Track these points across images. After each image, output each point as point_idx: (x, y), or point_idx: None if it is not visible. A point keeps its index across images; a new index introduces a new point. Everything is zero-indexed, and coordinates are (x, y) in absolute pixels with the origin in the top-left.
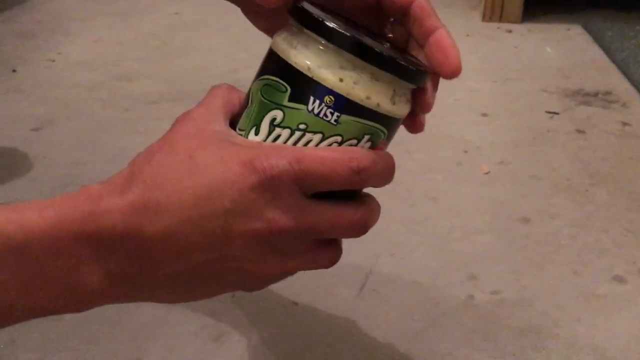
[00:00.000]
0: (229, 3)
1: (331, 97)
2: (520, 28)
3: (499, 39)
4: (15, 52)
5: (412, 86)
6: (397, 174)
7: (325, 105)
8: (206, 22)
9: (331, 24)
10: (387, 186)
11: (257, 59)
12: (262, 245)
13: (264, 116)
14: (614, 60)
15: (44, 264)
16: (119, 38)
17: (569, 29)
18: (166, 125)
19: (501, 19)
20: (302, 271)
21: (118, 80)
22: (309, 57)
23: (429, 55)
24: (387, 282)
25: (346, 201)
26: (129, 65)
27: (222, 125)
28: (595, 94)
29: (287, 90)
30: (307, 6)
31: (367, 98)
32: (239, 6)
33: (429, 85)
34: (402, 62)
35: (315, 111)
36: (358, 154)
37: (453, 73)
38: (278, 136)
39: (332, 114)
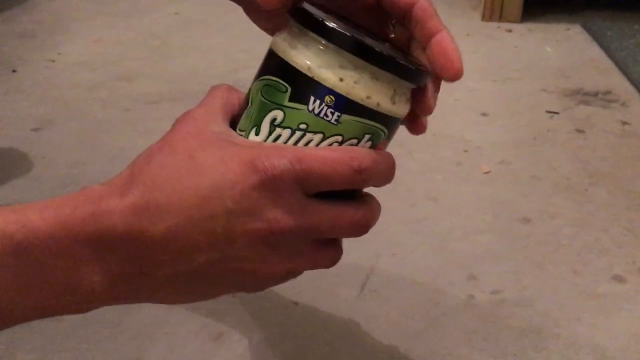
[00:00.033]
0: (229, 2)
1: (331, 96)
2: (520, 28)
3: (499, 39)
4: (15, 52)
5: (412, 86)
6: (397, 174)
7: (326, 105)
8: (206, 22)
9: (331, 24)
10: (387, 186)
11: (257, 59)
12: (263, 245)
13: (264, 116)
14: (613, 60)
15: (44, 265)
16: (119, 38)
17: (568, 29)
18: (166, 125)
19: (501, 18)
20: (302, 273)
21: (118, 80)
22: (309, 57)
23: (431, 57)
24: (388, 282)
25: (347, 201)
26: (129, 65)
27: (222, 126)
28: (595, 94)
29: (287, 90)
30: (307, 7)
31: (368, 97)
32: (240, 5)
33: (429, 87)
34: (402, 62)
35: (316, 111)
36: (359, 154)
37: (455, 76)
38: (278, 136)
39: (332, 113)
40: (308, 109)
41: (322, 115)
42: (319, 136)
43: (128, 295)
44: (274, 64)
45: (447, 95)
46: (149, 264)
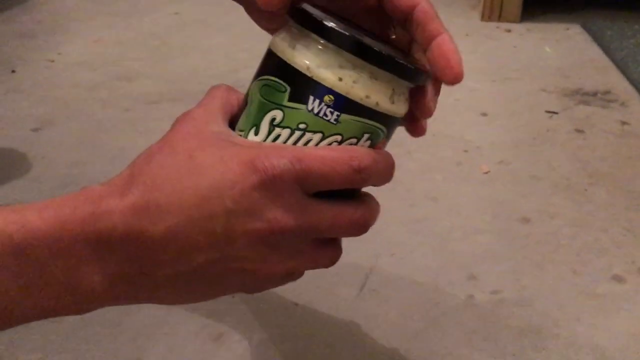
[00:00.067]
0: (230, 2)
1: (331, 96)
2: (519, 27)
3: (498, 39)
4: (15, 52)
5: (411, 85)
6: (397, 174)
7: (325, 105)
8: (206, 22)
9: (330, 24)
10: (387, 186)
11: (258, 59)
12: (263, 245)
13: (263, 116)
14: (613, 60)
15: (44, 265)
16: (119, 38)
17: (568, 29)
18: (166, 125)
19: (500, 18)
20: (302, 276)
21: (118, 80)
22: (308, 57)
23: (431, 60)
24: (387, 282)
25: (346, 200)
26: (129, 65)
27: (221, 126)
28: (595, 94)
29: (286, 90)
30: (307, 7)
31: (367, 97)
32: (242, 5)
33: (429, 90)
34: (401, 61)
35: (315, 111)
36: (358, 153)
37: (455, 79)
38: (278, 136)
39: (331, 113)
40: (307, 108)
41: (321, 114)
42: (318, 136)
43: (128, 296)
44: (273, 64)
45: (446, 96)
46: (149, 264)
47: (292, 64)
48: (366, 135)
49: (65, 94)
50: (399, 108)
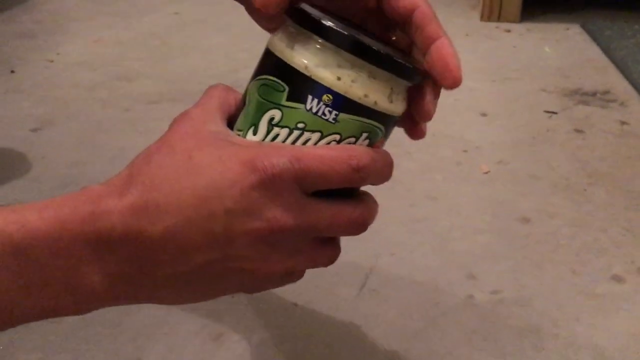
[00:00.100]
0: (230, 2)
1: (329, 95)
2: (519, 27)
3: (498, 39)
4: (15, 52)
5: (409, 84)
6: (397, 174)
7: (324, 104)
8: (206, 22)
9: (328, 23)
10: (387, 186)
11: (258, 59)
12: (263, 245)
13: (262, 116)
14: (612, 60)
15: (44, 265)
16: (119, 38)
17: (567, 29)
18: (166, 125)
19: (500, 18)
20: (302, 277)
21: (118, 80)
22: (306, 57)
23: (430, 64)
24: (387, 281)
25: (345, 199)
26: (128, 65)
27: (219, 126)
28: (594, 94)
29: (284, 89)
30: (305, 6)
31: (365, 96)
32: (243, 4)
33: (428, 93)
34: (399, 60)
35: (314, 110)
36: (357, 152)
37: (453, 83)
38: (276, 135)
39: (330, 112)
40: (306, 108)
41: (319, 114)
42: (316, 135)
43: (128, 296)
44: (271, 64)
45: (446, 96)
46: (148, 264)
47: (291, 64)
48: (365, 135)
49: (65, 94)
50: (397, 107)
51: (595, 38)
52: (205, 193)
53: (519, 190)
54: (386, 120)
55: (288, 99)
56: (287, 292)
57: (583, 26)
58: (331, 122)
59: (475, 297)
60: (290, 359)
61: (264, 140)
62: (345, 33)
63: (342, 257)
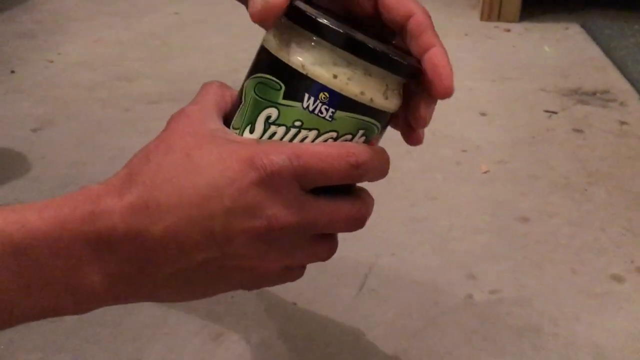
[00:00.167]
0: (230, 2)
1: (326, 93)
2: (519, 27)
3: (497, 38)
4: (15, 52)
5: (404, 80)
6: (397, 174)
7: (320, 102)
8: (206, 22)
9: (323, 21)
10: (387, 186)
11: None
12: (262, 243)
13: (258, 114)
14: (612, 59)
15: (44, 265)
16: (119, 38)
17: (567, 28)
18: None
19: (499, 18)
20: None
21: (118, 80)
22: (302, 55)
23: (423, 73)
24: (387, 281)
25: (343, 196)
26: (128, 65)
27: (216, 123)
28: (594, 93)
29: (281, 88)
30: (300, 4)
31: (361, 93)
32: (243, 4)
33: (423, 101)
34: (395, 57)
35: (310, 108)
36: (355, 149)
37: (444, 94)
38: (273, 134)
39: (327, 110)
40: (302, 106)
41: (316, 112)
42: (313, 133)
43: (128, 295)
44: (267, 62)
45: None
46: (148, 264)
47: (287, 62)
48: (361, 132)
49: (65, 94)
50: (393, 103)
51: (595, 37)
52: (205, 192)
53: (519, 190)
54: (382, 117)
55: (284, 97)
56: (287, 291)
57: (583, 26)
58: (328, 120)
59: (474, 297)
60: (289, 358)
61: (261, 138)
62: (341, 31)
63: (342, 257)
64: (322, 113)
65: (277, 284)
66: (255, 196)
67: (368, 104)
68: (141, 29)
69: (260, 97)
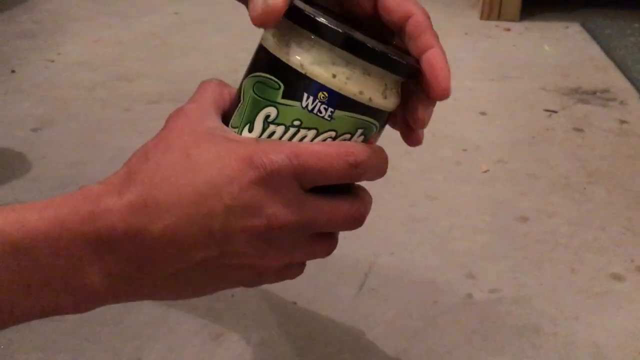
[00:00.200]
0: (230, 2)
1: (325, 93)
2: (519, 26)
3: (497, 37)
4: (15, 52)
5: (402, 80)
6: (396, 173)
7: (319, 102)
8: (206, 22)
9: (322, 20)
10: (387, 185)
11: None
12: (262, 241)
13: (257, 113)
14: (612, 58)
15: (44, 265)
16: (119, 38)
17: (567, 27)
18: None
19: (499, 17)
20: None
21: (118, 80)
22: (301, 54)
23: (422, 73)
24: (386, 281)
25: (341, 195)
26: (128, 65)
27: (215, 122)
28: (594, 92)
29: (280, 87)
30: (299, 3)
31: (360, 93)
32: (244, 4)
33: (422, 102)
34: (393, 57)
35: (309, 107)
36: (354, 149)
37: (441, 95)
38: (272, 133)
39: (326, 109)
40: (301, 105)
41: (315, 111)
42: (312, 132)
43: (128, 294)
44: (265, 61)
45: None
46: (148, 263)
47: (286, 61)
48: (360, 131)
49: (65, 94)
50: (391, 102)
51: (595, 37)
52: (205, 190)
53: (519, 190)
54: (380, 116)
55: (283, 97)
56: (287, 291)
57: (583, 25)
58: (327, 120)
59: (474, 296)
60: (289, 358)
61: (259, 137)
62: (340, 30)
63: (342, 256)
64: (321, 112)
65: (277, 281)
66: (255, 195)
67: (367, 103)
68: (141, 29)
69: (259, 96)
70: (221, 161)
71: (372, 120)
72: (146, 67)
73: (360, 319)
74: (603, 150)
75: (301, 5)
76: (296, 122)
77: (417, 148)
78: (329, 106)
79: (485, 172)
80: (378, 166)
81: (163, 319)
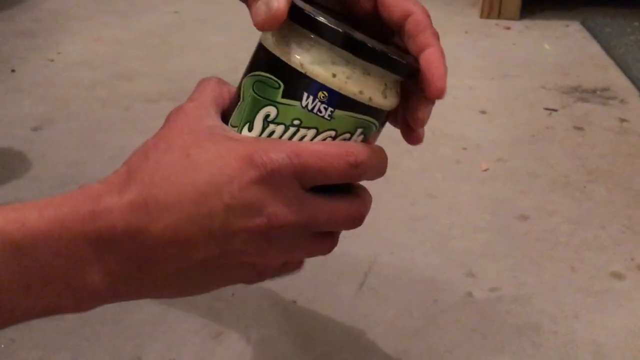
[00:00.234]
0: (229, 1)
1: (324, 92)
2: (519, 25)
3: (497, 36)
4: (15, 51)
5: (402, 79)
6: (397, 172)
7: (319, 101)
8: (206, 21)
9: (322, 20)
10: (387, 184)
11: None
12: (262, 240)
13: (257, 112)
14: (612, 57)
15: (45, 264)
16: (119, 37)
17: (567, 26)
18: None
19: (499, 15)
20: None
21: (117, 79)
22: (301, 54)
23: (419, 72)
24: (387, 280)
25: (341, 194)
26: (128, 65)
27: (215, 120)
28: (594, 91)
29: (280, 86)
30: (299, 3)
31: (360, 92)
32: (245, 3)
33: (421, 101)
34: (393, 56)
35: (309, 107)
36: (354, 148)
37: (437, 95)
38: (272, 132)
39: (325, 109)
40: (301, 105)
41: (315, 111)
42: (312, 132)
43: (129, 293)
44: (265, 60)
45: (446, 94)
46: (148, 262)
47: (286, 61)
48: (359, 130)
49: (64, 93)
50: (391, 102)
51: (595, 35)
52: (205, 189)
53: (519, 188)
54: (380, 115)
55: (283, 96)
56: (287, 290)
57: (583, 23)
58: (326, 119)
59: (474, 295)
60: (289, 357)
61: (259, 137)
62: (339, 30)
63: (342, 255)
64: (321, 112)
65: (277, 277)
66: (255, 194)
67: (367, 103)
68: (141, 28)
69: (259, 96)
70: (221, 160)
71: (371, 119)
72: (146, 66)
73: (360, 318)
74: (603, 149)
75: (301, 4)
76: (296, 122)
77: (417, 147)
78: (328, 106)
79: (485, 170)
80: (378, 166)
81: (163, 318)
